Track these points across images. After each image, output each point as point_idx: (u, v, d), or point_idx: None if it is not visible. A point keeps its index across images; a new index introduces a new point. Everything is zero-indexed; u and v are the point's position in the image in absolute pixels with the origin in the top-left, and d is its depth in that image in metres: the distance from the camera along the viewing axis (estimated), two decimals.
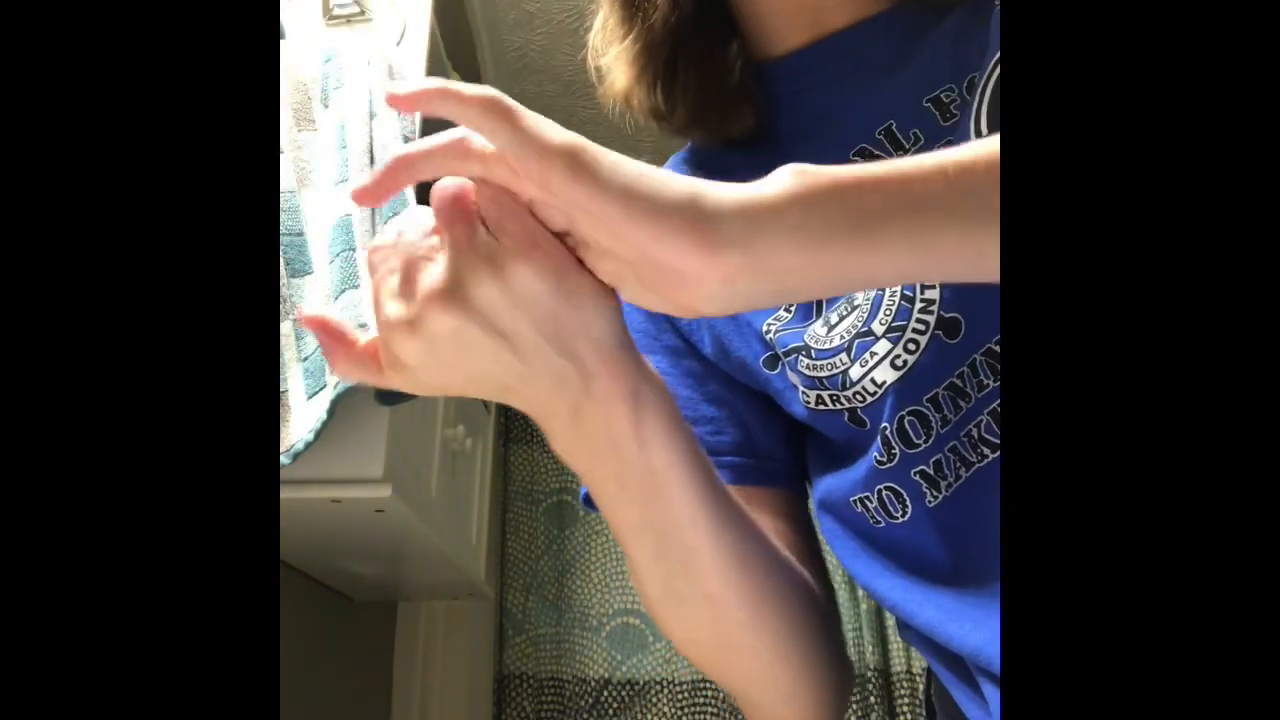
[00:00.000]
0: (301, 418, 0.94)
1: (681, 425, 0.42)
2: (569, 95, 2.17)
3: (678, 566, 0.45)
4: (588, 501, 0.57)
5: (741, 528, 0.47)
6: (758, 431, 0.57)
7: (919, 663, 1.85)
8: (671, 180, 0.33)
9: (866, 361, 0.47)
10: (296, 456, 0.92)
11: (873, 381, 0.47)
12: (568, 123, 0.47)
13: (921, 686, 1.79)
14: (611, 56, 0.61)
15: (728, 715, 1.91)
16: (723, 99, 0.59)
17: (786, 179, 0.33)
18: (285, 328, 0.99)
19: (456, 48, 1.63)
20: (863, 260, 0.33)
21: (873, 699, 1.87)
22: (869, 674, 1.90)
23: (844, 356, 0.48)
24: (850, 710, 1.85)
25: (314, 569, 1.34)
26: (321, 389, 0.94)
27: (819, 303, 0.52)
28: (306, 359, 0.97)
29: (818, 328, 0.50)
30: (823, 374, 0.49)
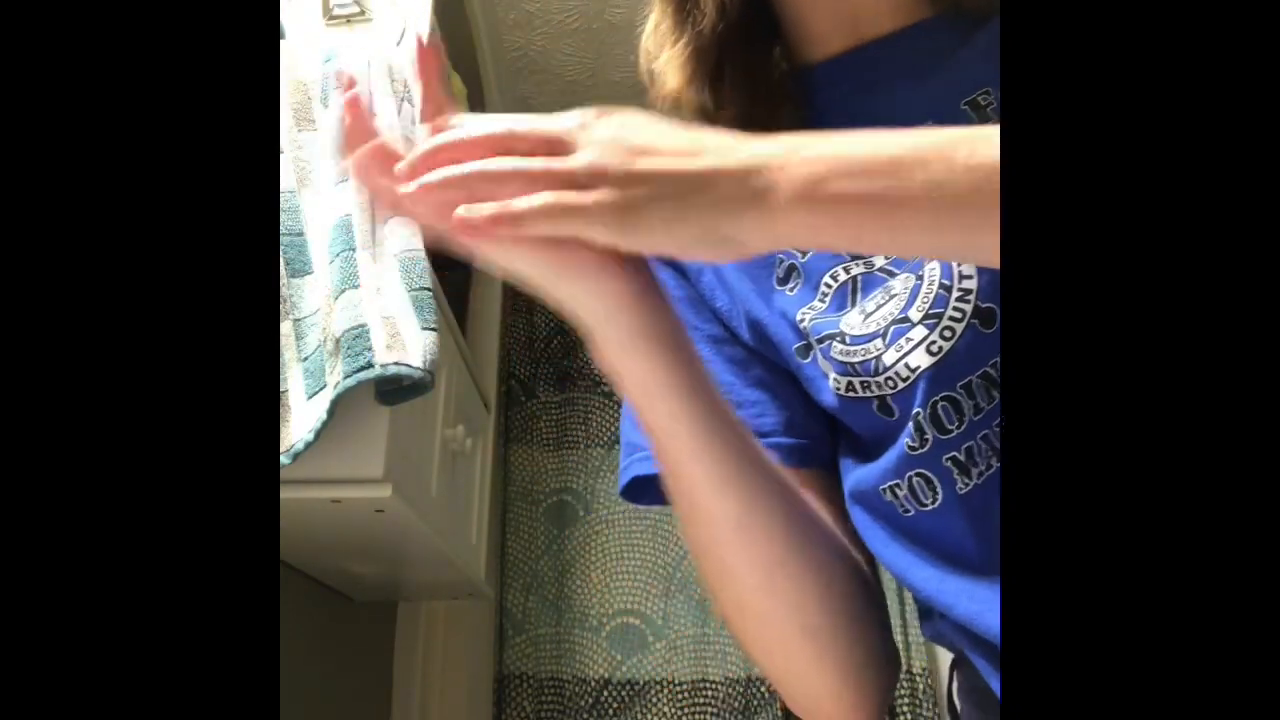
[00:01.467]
0: (301, 418, 0.94)
1: (694, 393, 0.45)
2: (570, 95, 2.17)
3: (702, 519, 0.50)
4: (626, 492, 0.58)
5: (769, 497, 0.49)
6: (801, 413, 0.59)
7: (919, 662, 1.84)
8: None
9: (901, 347, 0.48)
10: (296, 456, 0.92)
11: (906, 366, 0.48)
12: None
13: (923, 686, 1.80)
14: (664, 61, 0.64)
15: (728, 715, 1.91)
16: (768, 102, 0.62)
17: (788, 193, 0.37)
18: (285, 328, 0.99)
19: (456, 48, 1.63)
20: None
21: None
22: None
23: (879, 342, 0.49)
24: None
25: (314, 569, 1.33)
26: (321, 389, 0.94)
27: (854, 294, 0.53)
28: (306, 359, 0.97)
29: (853, 316, 0.51)
30: (855, 359, 0.50)
